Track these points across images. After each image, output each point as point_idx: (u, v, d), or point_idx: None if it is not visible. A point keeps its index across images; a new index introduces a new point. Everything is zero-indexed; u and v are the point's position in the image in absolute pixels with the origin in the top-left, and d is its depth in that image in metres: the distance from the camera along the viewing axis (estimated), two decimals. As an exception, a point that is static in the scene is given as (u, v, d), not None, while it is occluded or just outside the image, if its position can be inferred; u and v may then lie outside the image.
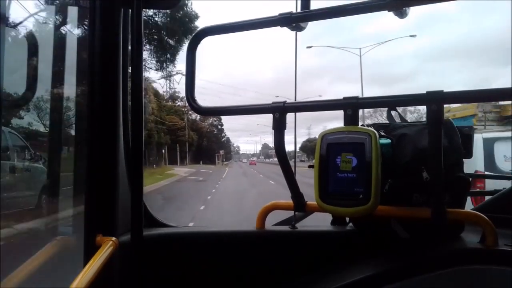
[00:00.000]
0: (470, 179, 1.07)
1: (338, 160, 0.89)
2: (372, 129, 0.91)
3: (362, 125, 0.99)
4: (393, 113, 1.24)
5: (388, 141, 1.06)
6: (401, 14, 0.90)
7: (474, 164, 4.95)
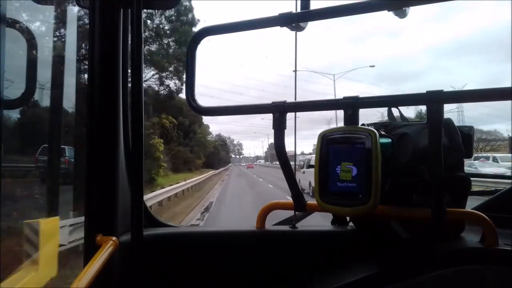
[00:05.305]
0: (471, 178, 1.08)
1: (338, 170, 0.89)
2: (372, 128, 0.91)
3: (363, 124, 0.99)
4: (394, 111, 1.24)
5: (388, 140, 1.05)
6: (401, 14, 0.90)
7: None
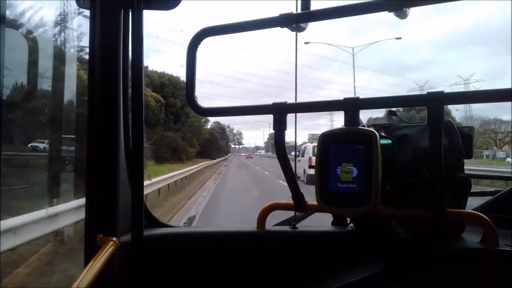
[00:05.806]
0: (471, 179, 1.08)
1: (338, 170, 0.89)
2: (373, 129, 0.91)
3: (363, 125, 0.99)
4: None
5: (388, 141, 1.06)
6: (402, 14, 0.90)
7: None
